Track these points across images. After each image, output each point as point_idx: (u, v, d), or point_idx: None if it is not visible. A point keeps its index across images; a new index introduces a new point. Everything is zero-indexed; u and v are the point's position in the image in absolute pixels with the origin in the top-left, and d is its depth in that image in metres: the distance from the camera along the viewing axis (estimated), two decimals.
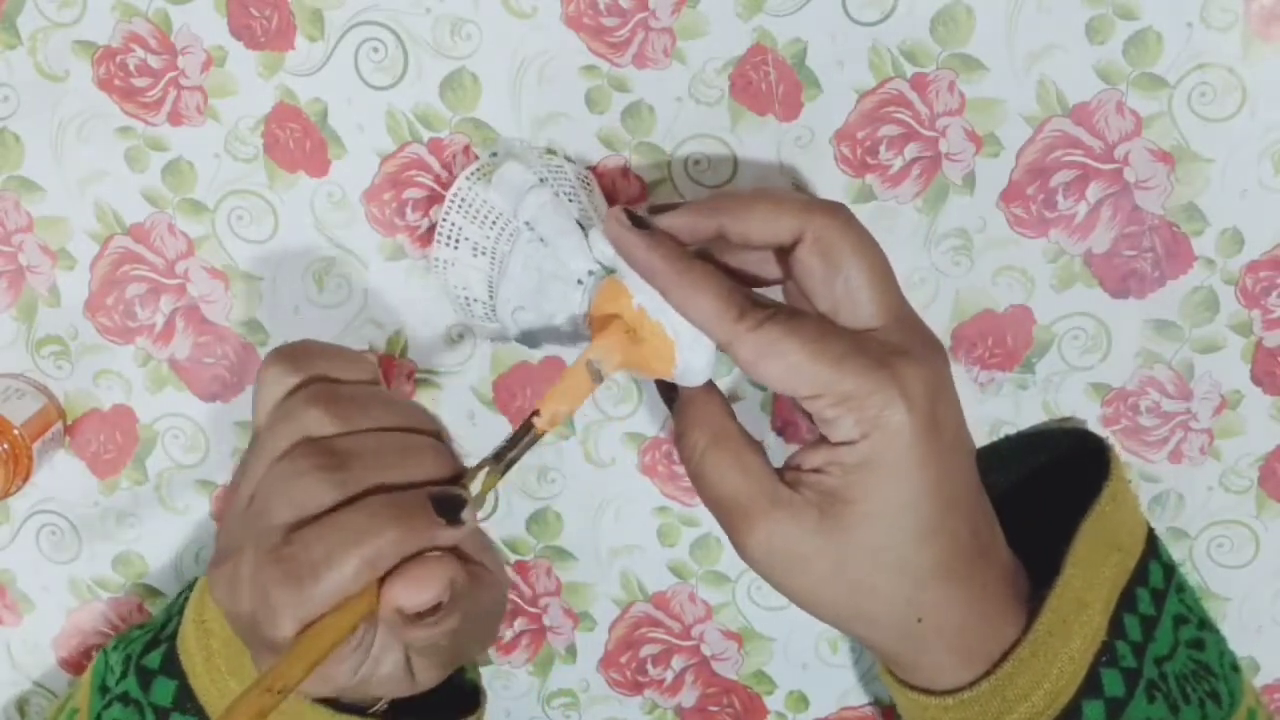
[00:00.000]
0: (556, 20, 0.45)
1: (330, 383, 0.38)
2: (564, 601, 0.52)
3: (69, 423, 0.51)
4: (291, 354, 0.38)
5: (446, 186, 0.47)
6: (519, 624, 0.52)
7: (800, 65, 0.44)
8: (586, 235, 0.41)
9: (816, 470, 0.36)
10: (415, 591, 0.34)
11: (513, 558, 0.51)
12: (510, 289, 0.42)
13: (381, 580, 0.34)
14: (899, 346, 0.36)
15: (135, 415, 0.51)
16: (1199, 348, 0.47)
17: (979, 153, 0.45)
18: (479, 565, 0.38)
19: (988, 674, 0.38)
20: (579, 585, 0.52)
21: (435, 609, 0.35)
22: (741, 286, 0.37)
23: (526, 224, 0.42)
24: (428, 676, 0.39)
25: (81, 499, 0.52)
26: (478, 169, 0.44)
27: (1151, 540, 0.44)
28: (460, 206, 0.43)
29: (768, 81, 0.45)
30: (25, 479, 0.48)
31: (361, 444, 0.36)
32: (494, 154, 0.45)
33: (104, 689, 0.44)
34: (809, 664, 0.52)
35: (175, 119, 0.47)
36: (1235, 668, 0.44)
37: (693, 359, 0.38)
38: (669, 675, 0.53)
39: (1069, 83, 0.44)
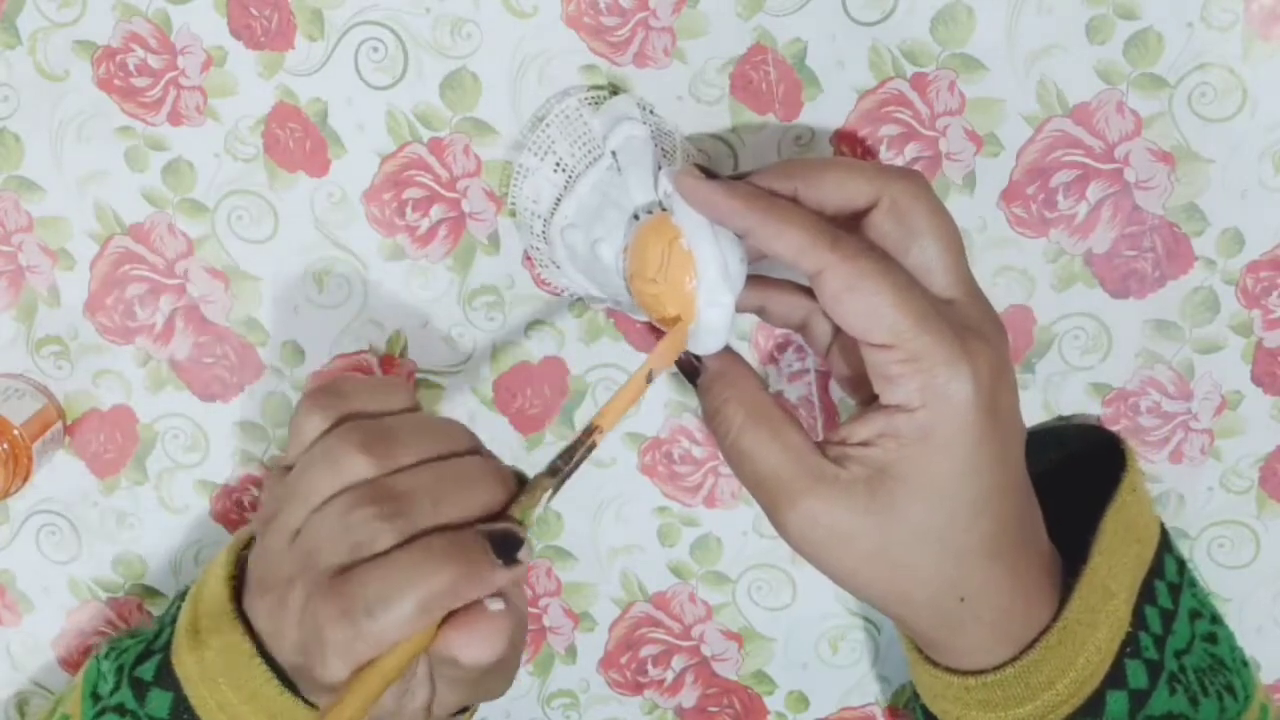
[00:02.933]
0: (556, 20, 0.45)
1: (366, 419, 0.37)
2: (564, 601, 0.52)
3: (69, 423, 0.51)
4: (325, 393, 0.38)
5: (447, 187, 0.47)
6: None
7: (800, 65, 0.44)
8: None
9: (865, 444, 0.36)
10: (479, 647, 0.34)
11: None
12: (570, 206, 0.42)
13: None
14: (972, 323, 0.36)
15: (135, 415, 0.51)
16: (1199, 348, 0.47)
17: (979, 153, 0.45)
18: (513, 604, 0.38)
19: (1016, 658, 0.38)
20: (579, 585, 0.52)
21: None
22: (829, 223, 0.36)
23: (612, 153, 0.42)
24: (445, 712, 0.39)
25: (81, 499, 0.52)
26: (591, 97, 0.44)
27: (1164, 534, 0.44)
28: (563, 122, 0.43)
29: (768, 81, 0.45)
30: (25, 479, 0.48)
31: (414, 482, 0.35)
32: (615, 91, 0.45)
33: (95, 696, 0.44)
34: (809, 664, 0.52)
35: (175, 119, 0.47)
36: (1245, 663, 0.44)
37: (711, 313, 0.37)
38: (669, 675, 0.53)
39: (1069, 83, 0.44)
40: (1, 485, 0.47)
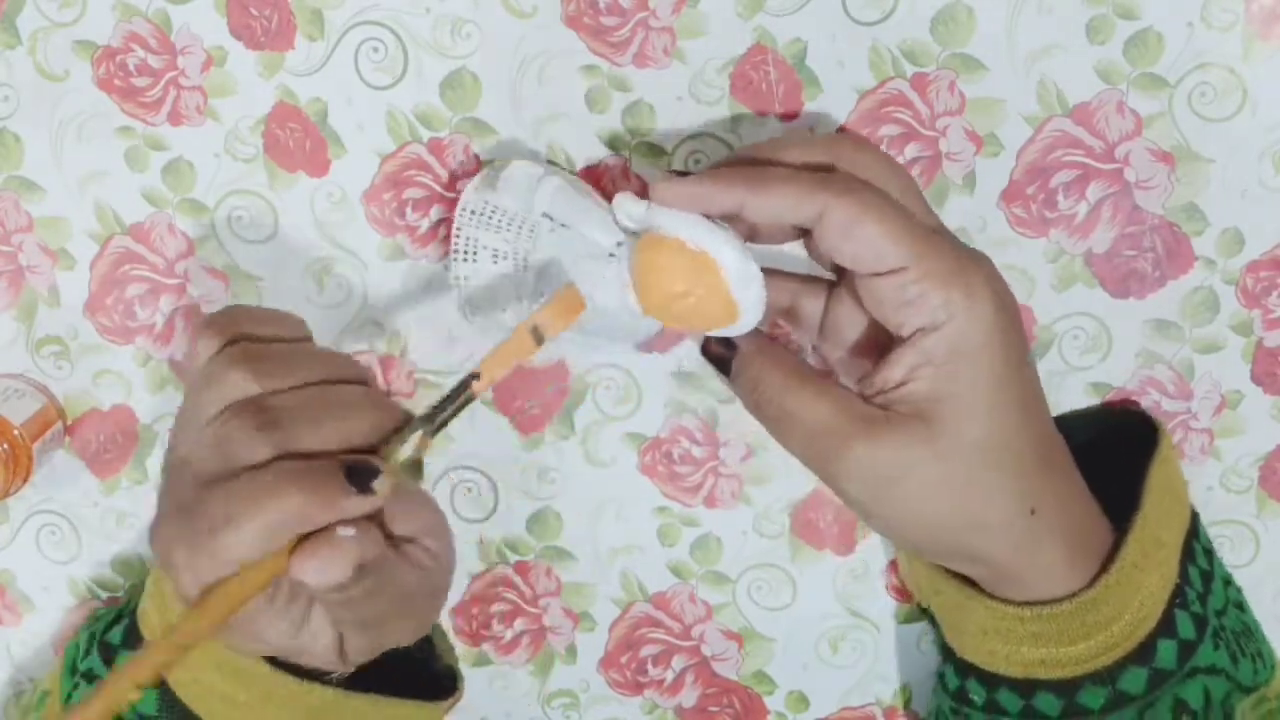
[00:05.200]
0: (556, 20, 0.45)
1: (253, 342, 0.37)
2: (564, 601, 0.52)
3: (69, 423, 0.51)
4: (215, 319, 0.37)
5: (447, 187, 0.47)
6: (519, 624, 0.52)
7: (800, 65, 0.44)
8: (608, 209, 0.41)
9: (901, 384, 0.36)
10: (316, 570, 0.33)
11: (513, 558, 0.51)
12: (542, 283, 0.42)
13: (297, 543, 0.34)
14: (958, 243, 0.37)
15: (135, 415, 0.51)
16: (1199, 348, 0.47)
17: (979, 153, 0.45)
18: (411, 542, 0.37)
19: (1075, 594, 0.39)
20: (579, 585, 0.52)
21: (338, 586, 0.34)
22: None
23: (545, 215, 0.42)
24: (357, 655, 0.38)
25: (81, 499, 0.52)
26: (481, 179, 0.44)
27: (1191, 503, 0.44)
28: (472, 218, 0.43)
29: (768, 81, 0.45)
30: (25, 479, 0.48)
31: (292, 400, 0.35)
32: (491, 162, 0.45)
33: (73, 669, 0.44)
34: (809, 664, 0.52)
35: (175, 119, 0.47)
36: (1265, 638, 0.45)
37: (749, 293, 0.38)
38: (669, 675, 0.53)
39: (1069, 83, 0.44)
40: (1, 485, 0.47)
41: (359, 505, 0.34)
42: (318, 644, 0.37)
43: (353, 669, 0.41)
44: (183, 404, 0.37)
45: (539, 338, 0.37)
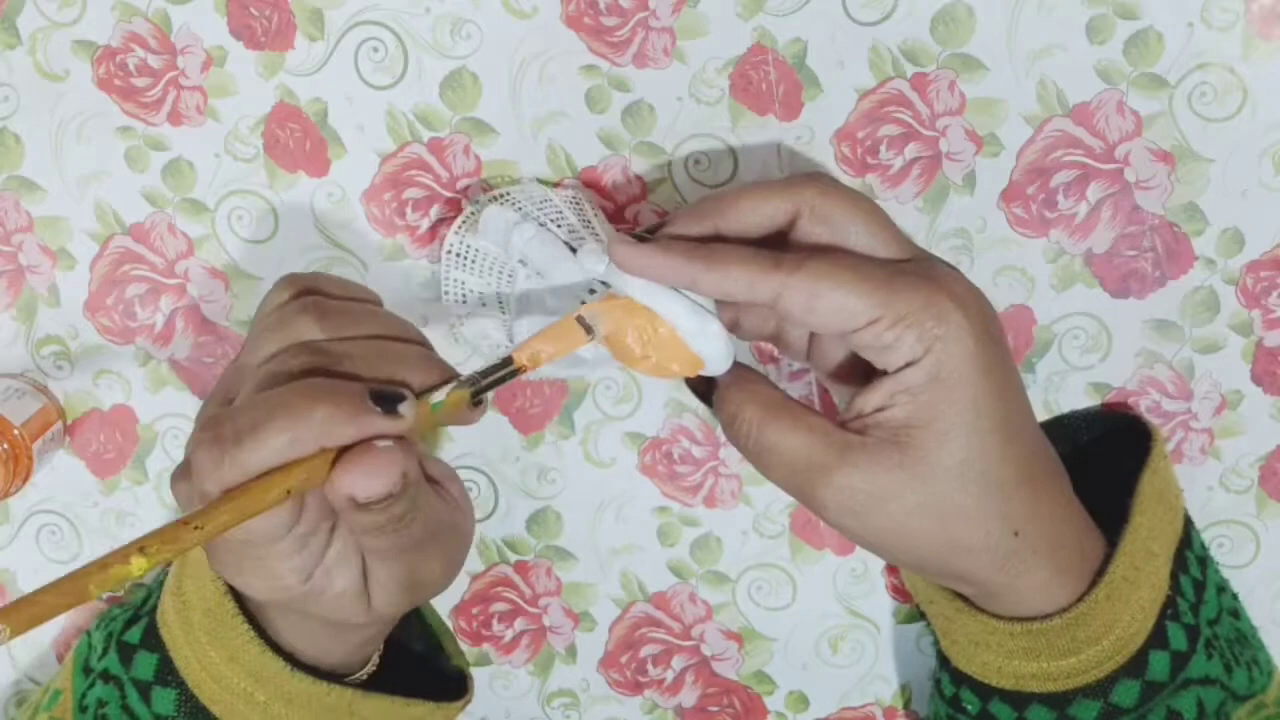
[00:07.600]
0: (556, 20, 0.45)
1: (326, 296, 0.38)
2: (564, 601, 0.52)
3: (69, 423, 0.51)
4: (294, 275, 0.39)
5: (447, 187, 0.47)
6: (519, 624, 0.52)
7: (800, 65, 0.44)
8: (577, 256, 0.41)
9: (880, 409, 0.36)
10: (366, 477, 0.34)
11: (513, 558, 0.51)
12: (523, 328, 0.43)
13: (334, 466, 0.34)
14: (933, 269, 0.37)
15: (135, 415, 0.51)
16: (1199, 348, 0.47)
17: (979, 153, 0.45)
18: (438, 483, 0.39)
19: (1065, 610, 0.39)
20: (579, 585, 0.52)
21: (386, 498, 0.34)
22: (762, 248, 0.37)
23: (520, 262, 0.42)
24: (384, 600, 0.38)
25: (81, 499, 0.52)
26: (464, 220, 0.45)
27: (1185, 510, 0.44)
28: (457, 261, 0.44)
29: (768, 81, 0.45)
30: (25, 479, 0.48)
31: (351, 347, 0.36)
32: (476, 202, 0.45)
33: (87, 669, 0.45)
34: (809, 664, 0.52)
35: (175, 119, 0.47)
36: (1262, 644, 0.45)
37: (708, 347, 0.38)
38: (669, 675, 0.53)
39: (1069, 83, 0.44)
40: (1, 485, 0.47)
41: (384, 425, 0.34)
42: (335, 585, 0.37)
43: (376, 629, 0.41)
44: (243, 348, 0.38)
45: (587, 328, 0.38)
